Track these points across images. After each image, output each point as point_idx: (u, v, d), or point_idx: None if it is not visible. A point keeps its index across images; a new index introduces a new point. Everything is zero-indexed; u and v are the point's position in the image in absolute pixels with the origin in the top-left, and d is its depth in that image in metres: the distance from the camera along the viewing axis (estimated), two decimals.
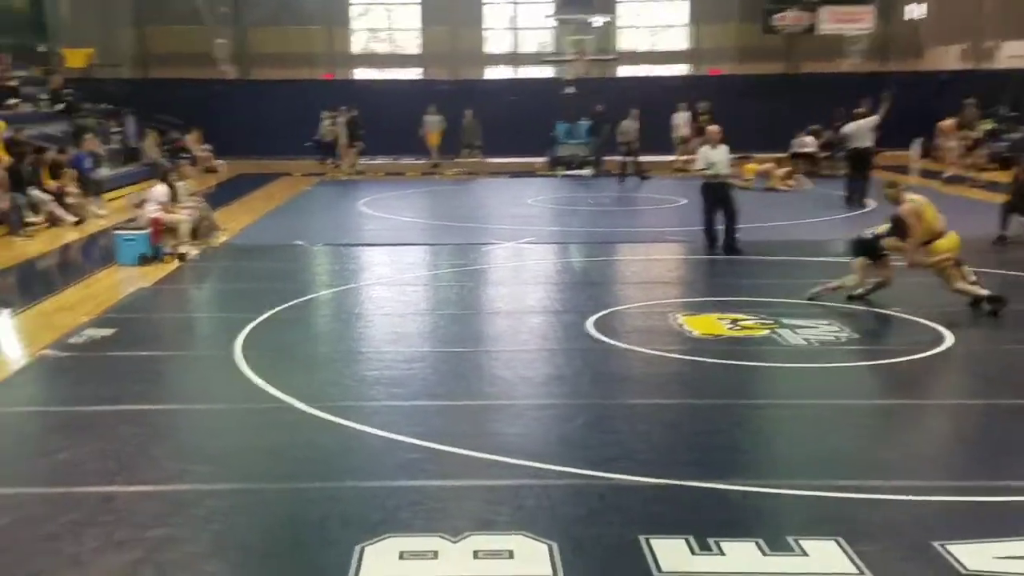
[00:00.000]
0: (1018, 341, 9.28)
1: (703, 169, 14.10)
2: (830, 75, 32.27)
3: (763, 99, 29.72)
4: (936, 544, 5.00)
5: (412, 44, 35.17)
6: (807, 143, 25.58)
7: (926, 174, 24.88)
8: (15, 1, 29.12)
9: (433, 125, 28.01)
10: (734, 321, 9.88)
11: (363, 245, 15.39)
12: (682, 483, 5.84)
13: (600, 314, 10.23)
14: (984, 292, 10.11)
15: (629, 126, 25.06)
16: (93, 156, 20.90)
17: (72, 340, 9.24)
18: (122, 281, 12.36)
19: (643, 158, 25.71)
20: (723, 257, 13.83)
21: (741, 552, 4.94)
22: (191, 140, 27.68)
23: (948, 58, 33.72)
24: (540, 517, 5.39)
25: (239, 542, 5.17)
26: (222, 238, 15.52)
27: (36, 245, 15.53)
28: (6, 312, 10.60)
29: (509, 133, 28.68)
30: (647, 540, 5.04)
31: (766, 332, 9.45)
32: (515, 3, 34.53)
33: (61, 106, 24.87)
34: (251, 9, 33.45)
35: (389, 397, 7.69)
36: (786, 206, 19.95)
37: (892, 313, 10.22)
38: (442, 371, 8.50)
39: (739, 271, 13.04)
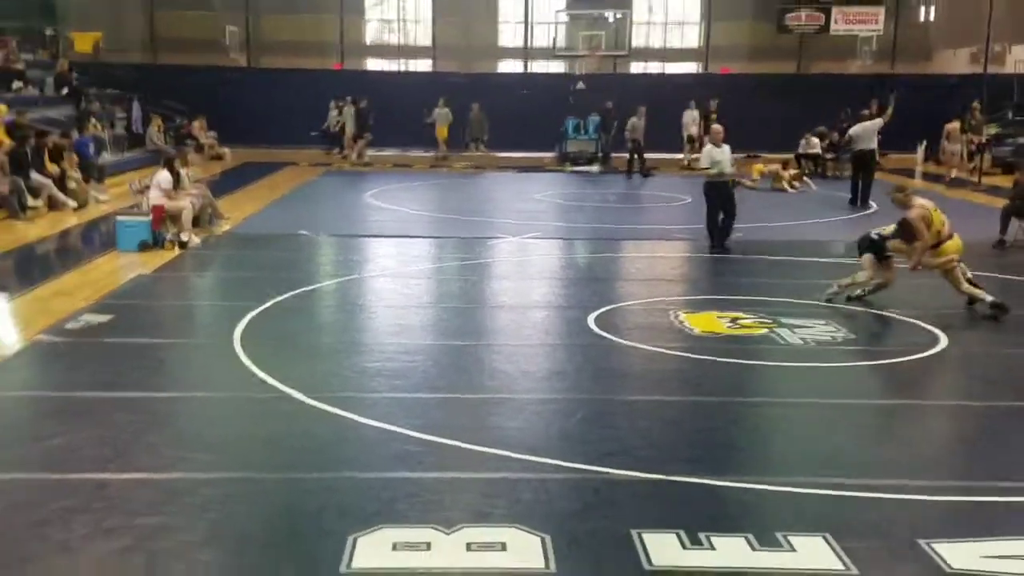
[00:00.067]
0: (1012, 344, 9.36)
1: (707, 168, 14.07)
2: (840, 76, 32.24)
3: (773, 99, 29.70)
4: (922, 542, 5.05)
5: (424, 36, 35.09)
6: (813, 144, 25.52)
7: (930, 177, 24.89)
8: None
9: (441, 118, 27.90)
10: (734, 319, 9.91)
11: (368, 236, 15.32)
12: (676, 479, 5.86)
13: (602, 310, 10.22)
14: (989, 298, 10.16)
15: (636, 123, 25.03)
16: (96, 141, 20.88)
17: (69, 325, 9.18)
18: (122, 267, 12.31)
19: (650, 155, 25.70)
20: (725, 256, 13.78)
21: (731, 547, 4.98)
22: (197, 127, 27.68)
23: (956, 61, 33.66)
24: (535, 510, 5.38)
25: (233, 531, 5.12)
26: (225, 226, 15.47)
27: (36, 229, 15.48)
28: (3, 296, 10.56)
29: (518, 127, 28.69)
30: (639, 534, 5.06)
31: (765, 331, 9.49)
32: None
33: (66, 90, 24.83)
34: None
35: (389, 389, 7.65)
36: (791, 206, 19.97)
37: (889, 314, 10.26)
38: (443, 364, 8.45)
39: (741, 270, 13.02)
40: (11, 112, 19.19)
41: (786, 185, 22.42)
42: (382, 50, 35.87)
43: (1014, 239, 14.58)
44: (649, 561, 4.81)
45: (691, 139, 27.20)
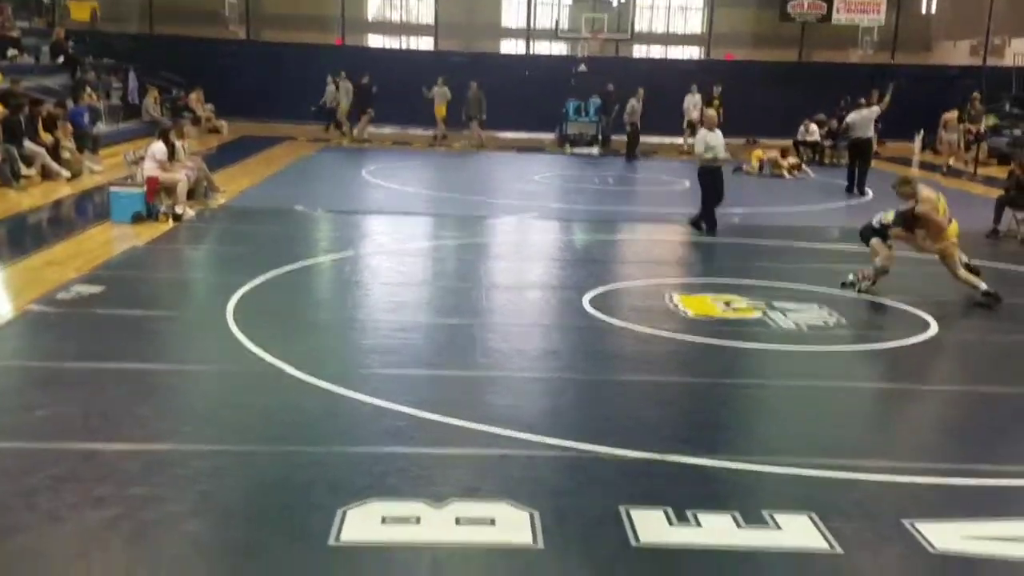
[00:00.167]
0: (1001, 332, 9.46)
1: (702, 152, 14.04)
2: (841, 65, 32.25)
3: (774, 86, 29.70)
4: (906, 523, 5.10)
5: (426, 14, 34.95)
6: (812, 131, 25.52)
7: (927, 166, 24.92)
8: None
9: (440, 97, 27.79)
10: (727, 303, 9.93)
11: (364, 213, 15.28)
12: (665, 458, 5.87)
13: (597, 291, 10.22)
14: (983, 286, 10.24)
15: (636, 106, 24.98)
16: (91, 111, 20.76)
17: (60, 296, 9.13)
18: (115, 239, 12.25)
19: (651, 139, 25.66)
20: (720, 240, 13.80)
21: (717, 524, 5.01)
22: (194, 99, 27.55)
23: (956, 53, 33.67)
24: (524, 486, 5.38)
25: (221, 503, 5.09)
26: (220, 200, 15.41)
27: (28, 198, 15.38)
28: None
29: (520, 108, 28.65)
30: (627, 511, 5.08)
31: (758, 315, 9.52)
32: None
33: (62, 59, 24.69)
34: None
35: (382, 365, 7.62)
36: (787, 192, 20.01)
37: (881, 301, 10.29)
38: (437, 341, 8.44)
39: (736, 254, 13.03)
40: (6, 80, 19.06)
41: (784, 172, 22.38)
42: (384, 27, 35.78)
43: (1008, 229, 14.66)
44: (636, 537, 4.83)
45: (692, 124, 27.14)
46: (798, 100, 27.51)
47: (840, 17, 31.08)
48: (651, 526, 4.94)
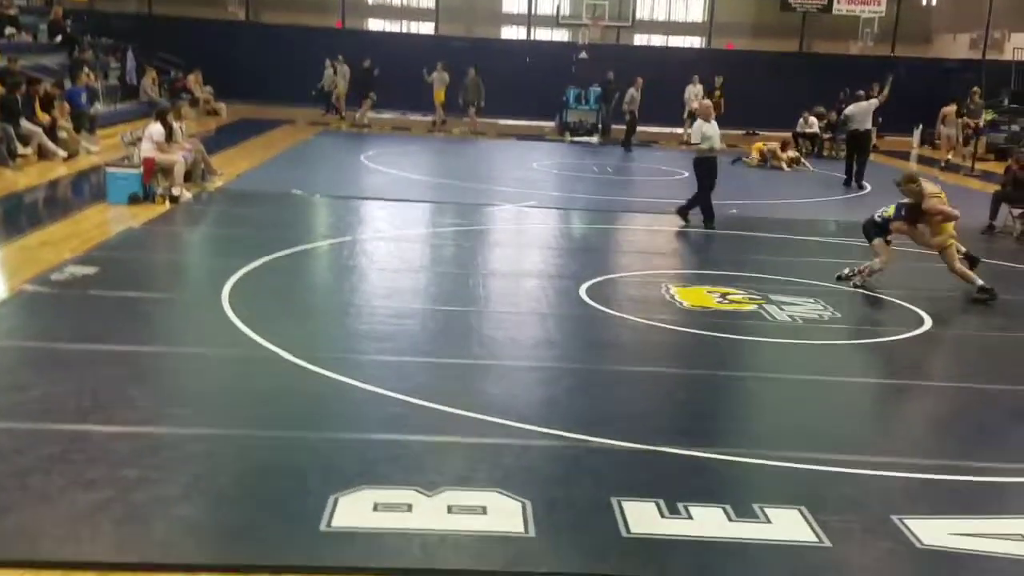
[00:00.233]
0: (994, 328, 9.51)
1: (698, 143, 14.01)
2: (841, 57, 32.21)
3: (775, 77, 29.66)
4: (895, 518, 5.13)
5: None
6: (811, 123, 25.50)
7: (925, 161, 24.92)
8: None
9: (439, 82, 27.71)
10: (724, 295, 9.96)
11: (362, 198, 15.24)
12: (658, 449, 5.89)
13: (594, 281, 10.23)
14: (979, 281, 10.27)
15: (635, 95, 24.92)
16: (89, 91, 20.68)
17: (54, 276, 9.11)
18: (110, 219, 12.23)
19: (652, 128, 25.62)
20: (718, 232, 13.79)
21: (708, 517, 5.02)
22: (192, 81, 27.43)
23: (956, 47, 33.63)
24: (517, 475, 5.39)
25: (213, 487, 5.09)
26: (217, 182, 15.37)
27: (24, 178, 15.34)
28: None
29: (520, 95, 28.58)
30: (619, 502, 5.09)
31: (754, 307, 9.53)
32: None
33: (60, 38, 24.58)
34: None
35: (377, 351, 7.63)
36: (786, 185, 20.01)
37: (877, 295, 10.32)
38: (432, 329, 8.44)
39: (733, 246, 13.03)
40: (2, 58, 18.99)
41: (783, 164, 22.35)
42: (384, 10, 35.64)
43: (1004, 225, 14.66)
44: (627, 528, 4.84)
45: (693, 114, 27.08)
46: (798, 91, 27.48)
47: (841, 8, 31.01)
48: (642, 517, 4.94)
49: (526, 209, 15.04)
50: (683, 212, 14.12)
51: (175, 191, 13.49)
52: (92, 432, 5.66)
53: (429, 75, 27.34)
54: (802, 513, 5.09)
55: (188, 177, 14.35)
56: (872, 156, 21.33)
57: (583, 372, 7.43)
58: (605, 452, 5.81)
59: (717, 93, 27.39)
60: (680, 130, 27.37)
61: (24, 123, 16.71)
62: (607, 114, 26.87)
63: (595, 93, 27.46)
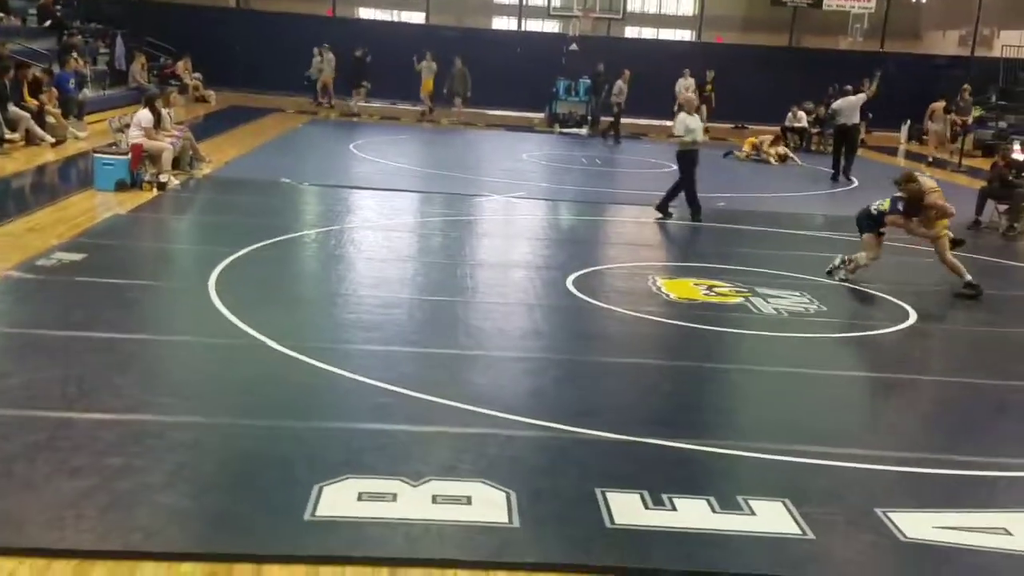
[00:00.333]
0: (978, 323, 9.59)
1: (681, 136, 14.03)
2: (830, 52, 32.30)
3: (764, 71, 29.67)
4: (878, 511, 5.14)
5: None
6: (800, 118, 25.57)
7: (913, 156, 25.01)
8: None
9: (427, 72, 27.67)
10: (710, 287, 9.99)
11: (350, 187, 15.22)
12: (643, 440, 5.90)
13: (581, 272, 10.24)
14: (967, 276, 10.32)
15: (622, 87, 24.91)
16: (77, 76, 20.57)
17: (40, 262, 9.06)
18: (97, 206, 12.17)
19: (641, 121, 25.65)
20: (705, 225, 13.80)
21: (692, 508, 5.03)
22: (181, 67, 27.32)
23: (945, 43, 33.72)
24: (502, 466, 5.39)
25: (197, 475, 5.08)
26: (205, 170, 15.32)
27: (11, 163, 15.22)
28: None
29: (510, 86, 28.54)
30: (603, 493, 5.10)
31: (740, 300, 9.57)
32: None
33: (49, 22, 24.44)
34: None
35: (363, 341, 7.63)
36: (774, 178, 20.05)
37: (863, 289, 10.35)
38: (419, 319, 8.44)
39: (720, 239, 13.09)
40: None
41: (772, 159, 22.38)
42: None
43: (989, 221, 14.76)
44: (611, 519, 4.85)
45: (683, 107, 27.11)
46: (787, 86, 27.51)
47: (831, 3, 31.03)
48: (626, 508, 4.95)
49: (514, 200, 15.03)
50: (663, 208, 14.10)
51: (163, 178, 13.44)
52: (77, 419, 5.64)
53: (418, 64, 27.31)
54: (786, 505, 5.11)
55: (176, 164, 14.30)
56: (860, 151, 21.40)
57: (569, 363, 7.44)
58: (590, 443, 5.82)
59: (708, 87, 27.49)
60: (670, 123, 27.34)
61: (12, 108, 16.61)
62: (597, 106, 26.87)
63: (585, 85, 27.44)
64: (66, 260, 9.18)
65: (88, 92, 21.83)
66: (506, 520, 4.78)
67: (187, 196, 13.46)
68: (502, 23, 35.42)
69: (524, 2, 33.39)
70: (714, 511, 5.01)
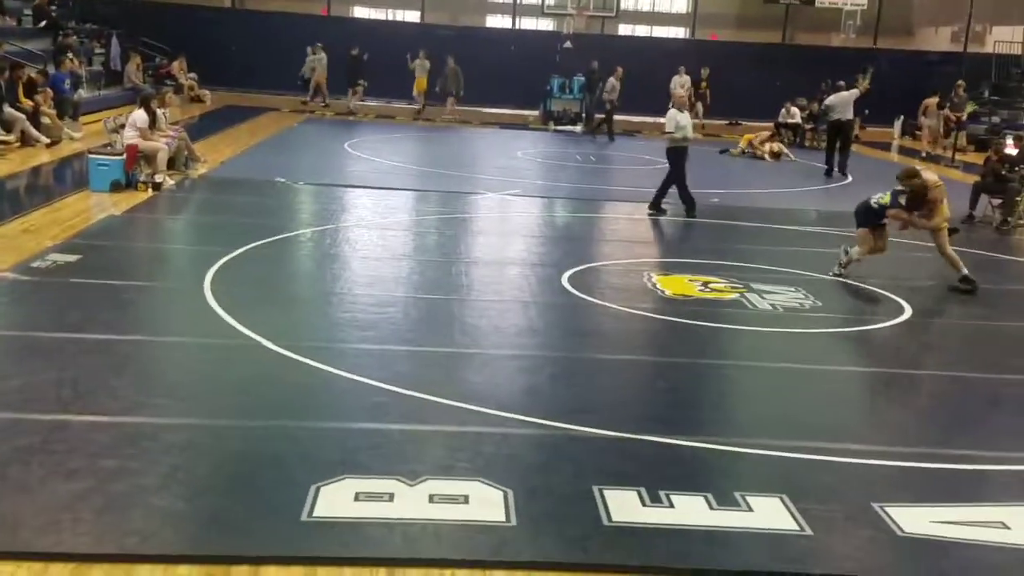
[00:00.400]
0: (973, 317, 9.59)
1: (671, 132, 14.02)
2: (823, 49, 32.36)
3: (758, 68, 29.73)
4: (876, 506, 5.14)
5: None
6: (793, 114, 25.60)
7: (906, 152, 25.04)
8: None
9: (420, 70, 27.68)
10: (705, 283, 9.99)
11: (345, 186, 15.21)
12: (640, 437, 5.89)
13: (576, 269, 10.24)
14: (964, 271, 10.32)
15: (615, 84, 24.92)
16: (72, 77, 20.53)
17: (35, 264, 9.04)
18: (93, 207, 12.15)
19: (636, 118, 25.68)
20: (700, 220, 13.81)
21: (689, 505, 5.03)
22: (177, 67, 27.29)
23: (938, 39, 33.73)
24: (498, 464, 5.39)
25: (193, 477, 5.06)
26: (201, 170, 15.31)
27: (6, 165, 15.18)
28: None
29: (505, 84, 28.56)
30: (600, 490, 5.09)
31: (735, 295, 9.57)
32: None
33: (44, 23, 24.39)
34: None
35: (359, 340, 7.62)
36: (768, 174, 20.08)
37: (858, 284, 10.35)
38: (414, 317, 8.43)
39: (715, 235, 13.09)
40: None
41: (766, 155, 22.40)
42: None
43: (983, 215, 14.78)
44: (609, 517, 4.84)
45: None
46: (781, 82, 27.57)
47: (823, 0, 31.07)
48: (624, 506, 4.95)
49: (509, 197, 15.03)
50: (656, 205, 14.09)
51: (158, 178, 13.43)
52: (72, 422, 5.62)
53: (412, 62, 27.33)
54: (783, 501, 5.11)
55: (171, 164, 14.30)
56: (853, 147, 21.41)
57: (565, 360, 7.43)
58: (587, 440, 5.81)
59: (704, 84, 27.58)
60: (663, 120, 27.35)
61: (7, 109, 16.59)
62: (591, 103, 26.88)
63: (579, 82, 27.48)
64: (61, 261, 9.16)
65: (83, 93, 21.79)
66: (504, 519, 4.77)
67: (182, 196, 13.44)
68: (496, 21, 35.40)
69: (518, 0, 33.38)
70: (712, 508, 5.01)
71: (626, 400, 6.80)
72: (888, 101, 26.84)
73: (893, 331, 8.87)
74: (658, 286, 9.80)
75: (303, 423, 5.84)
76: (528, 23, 34.32)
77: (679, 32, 35.54)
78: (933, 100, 24.41)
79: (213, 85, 27.74)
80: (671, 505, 5.00)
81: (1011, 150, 15.77)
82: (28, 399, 5.93)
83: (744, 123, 27.61)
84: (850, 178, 19.10)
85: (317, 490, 4.91)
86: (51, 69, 20.07)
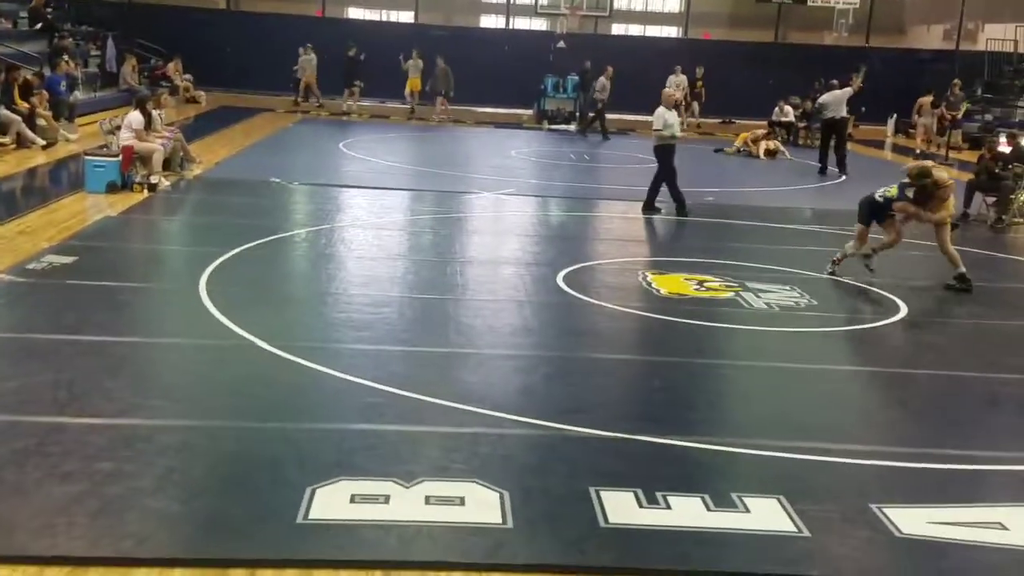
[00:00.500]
0: (969, 315, 9.59)
1: (660, 130, 14.02)
2: (816, 47, 32.40)
3: (751, 67, 29.79)
4: (873, 507, 5.13)
5: None
6: (787, 112, 25.64)
7: (899, 150, 25.08)
8: None
9: (413, 70, 27.69)
10: (701, 282, 9.99)
11: (340, 186, 15.20)
12: (636, 437, 5.88)
13: (571, 268, 10.23)
14: (961, 268, 10.30)
15: (605, 83, 24.93)
16: (68, 78, 20.51)
17: (31, 266, 9.03)
18: (88, 208, 12.14)
19: (626, 117, 25.68)
20: (694, 219, 13.82)
21: (686, 507, 5.01)
22: (172, 69, 27.28)
23: (930, 37, 33.77)
24: (494, 465, 5.38)
25: (188, 479, 5.05)
26: (196, 170, 15.29)
27: (2, 166, 15.14)
28: None
29: (498, 83, 28.59)
30: (597, 492, 5.08)
31: (730, 295, 9.57)
32: None
33: (40, 25, 24.35)
34: None
35: (354, 340, 7.61)
36: (762, 173, 20.11)
37: (853, 283, 10.35)
38: (409, 317, 8.42)
39: (710, 234, 13.08)
40: None
41: (760, 153, 22.40)
42: None
43: (977, 213, 14.80)
44: (606, 519, 4.82)
45: (676, 104, 27.12)
46: (774, 81, 27.63)
47: None
48: (621, 507, 4.94)
49: (504, 197, 15.03)
50: (649, 205, 14.09)
51: (153, 179, 13.41)
52: (68, 424, 5.61)
53: (405, 62, 27.34)
54: (781, 502, 5.10)
55: (167, 165, 14.28)
56: (848, 145, 21.41)
57: (560, 360, 7.43)
58: (583, 440, 5.80)
59: (699, 83, 27.64)
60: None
61: (3, 111, 16.58)
62: (584, 103, 26.91)
63: (573, 82, 27.53)
64: (57, 263, 9.15)
65: (79, 94, 21.76)
66: (500, 521, 4.76)
67: (178, 197, 13.43)
68: (490, 21, 35.39)
69: (512, 0, 33.37)
70: (709, 509, 4.99)
71: (622, 400, 6.80)
72: (881, 99, 26.92)
73: (889, 330, 8.87)
74: (653, 285, 9.80)
75: (298, 424, 5.83)
76: (522, 23, 34.31)
77: (672, 31, 35.57)
78: (927, 99, 24.45)
79: (208, 86, 27.73)
80: (668, 506, 4.99)
81: (1004, 148, 15.79)
82: (24, 401, 5.92)
83: (738, 122, 27.67)
84: (847, 176, 19.08)
85: (313, 492, 4.90)
86: (47, 71, 20.05)
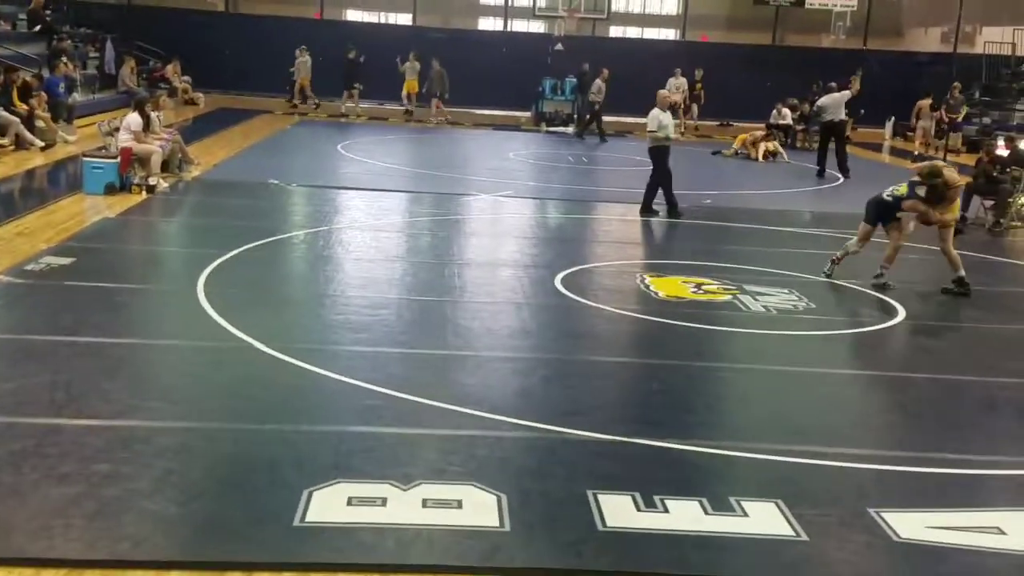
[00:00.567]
0: (967, 319, 9.63)
1: (654, 131, 14.02)
2: (814, 50, 32.45)
3: (749, 69, 29.81)
4: (872, 511, 5.12)
5: None
6: (784, 115, 25.65)
7: (897, 152, 25.11)
8: None
9: (410, 72, 27.71)
10: (698, 285, 9.99)
11: (338, 188, 15.20)
12: (634, 440, 5.88)
13: (569, 271, 10.24)
14: (961, 272, 10.29)
15: (601, 85, 24.94)
16: (67, 80, 20.50)
17: (30, 267, 9.03)
18: (87, 210, 12.13)
19: (624, 119, 25.70)
20: (692, 222, 13.81)
21: (684, 510, 5.01)
22: (170, 71, 27.28)
23: (928, 40, 33.80)
24: (491, 468, 5.37)
25: (185, 481, 5.04)
26: (194, 172, 15.29)
27: (1, 168, 15.13)
28: None
29: (497, 85, 28.60)
30: (594, 495, 5.08)
31: (728, 297, 9.58)
32: None
33: (39, 27, 24.34)
34: None
35: (351, 342, 7.61)
36: (760, 175, 20.09)
37: (851, 286, 10.35)
38: (407, 319, 8.42)
39: (708, 236, 13.10)
40: None
41: (758, 156, 22.42)
42: (362, 1, 35.41)
43: (976, 216, 14.79)
44: (603, 522, 4.82)
45: (674, 107, 27.17)
46: (772, 83, 27.67)
47: (814, 1, 31.12)
48: (618, 511, 4.93)
49: (502, 199, 15.03)
50: (647, 208, 14.10)
51: (152, 181, 13.41)
52: (65, 426, 5.60)
53: (402, 65, 27.37)
54: (779, 506, 5.09)
55: (165, 167, 14.28)
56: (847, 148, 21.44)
57: (558, 363, 7.43)
58: (580, 443, 5.80)
59: (698, 85, 27.69)
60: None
61: (1, 112, 16.57)
62: (582, 105, 26.94)
63: (571, 84, 27.58)
64: (55, 264, 9.15)
65: (77, 96, 21.75)
66: (497, 524, 4.76)
67: (176, 199, 13.42)
68: (488, 24, 35.38)
69: (510, 3, 33.38)
70: (707, 513, 4.99)
71: (620, 403, 6.80)
72: (879, 102, 26.96)
73: (887, 333, 8.87)
74: (651, 288, 9.80)
75: (296, 426, 5.82)
76: (519, 25, 34.31)
77: (669, 34, 35.57)
78: (926, 102, 24.48)
79: (207, 88, 27.74)
80: (666, 510, 4.98)
81: (1002, 151, 15.78)
82: (21, 402, 5.91)
83: (735, 124, 27.71)
84: (849, 178, 19.07)
85: (310, 495, 4.90)
86: (46, 73, 20.04)
